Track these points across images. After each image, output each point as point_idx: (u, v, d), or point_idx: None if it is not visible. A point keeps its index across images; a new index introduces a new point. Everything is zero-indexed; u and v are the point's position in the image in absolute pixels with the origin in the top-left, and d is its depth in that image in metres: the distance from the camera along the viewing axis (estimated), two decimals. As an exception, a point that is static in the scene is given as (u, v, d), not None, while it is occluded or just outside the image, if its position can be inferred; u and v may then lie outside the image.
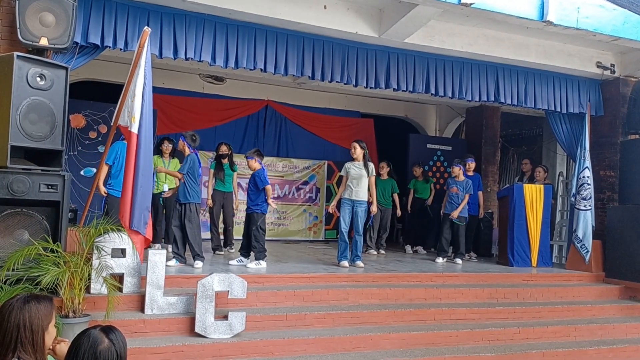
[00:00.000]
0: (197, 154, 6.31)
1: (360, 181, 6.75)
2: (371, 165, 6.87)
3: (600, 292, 6.87)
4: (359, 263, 6.67)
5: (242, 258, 6.33)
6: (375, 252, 8.40)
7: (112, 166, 6.19)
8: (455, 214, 7.71)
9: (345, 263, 6.62)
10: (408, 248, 8.99)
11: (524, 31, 6.71)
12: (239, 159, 8.35)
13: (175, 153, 7.63)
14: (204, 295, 4.58)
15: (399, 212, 8.90)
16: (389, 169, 8.85)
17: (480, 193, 8.45)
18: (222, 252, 7.49)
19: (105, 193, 6.12)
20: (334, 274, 6.08)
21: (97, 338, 1.93)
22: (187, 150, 6.23)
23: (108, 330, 2.00)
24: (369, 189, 6.87)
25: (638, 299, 6.78)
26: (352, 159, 6.88)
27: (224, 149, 7.63)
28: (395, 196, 8.82)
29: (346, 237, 6.73)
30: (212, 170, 7.64)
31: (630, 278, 6.90)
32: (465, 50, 6.80)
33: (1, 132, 4.26)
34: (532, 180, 8.29)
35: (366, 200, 6.80)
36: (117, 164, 6.16)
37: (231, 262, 6.32)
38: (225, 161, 7.57)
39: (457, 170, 7.89)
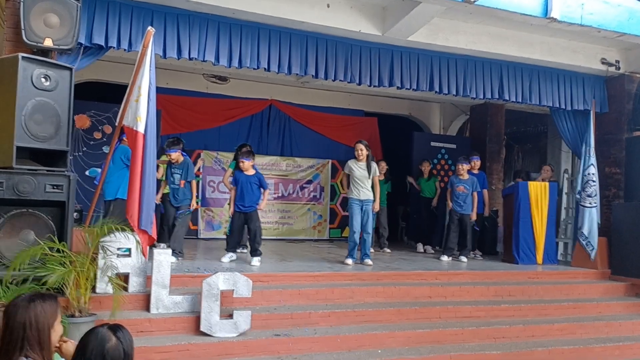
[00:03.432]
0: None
1: (365, 181, 6.78)
2: (374, 166, 6.87)
3: (606, 290, 6.85)
4: (368, 261, 6.68)
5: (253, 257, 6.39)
6: (378, 251, 8.37)
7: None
8: (473, 216, 7.75)
9: (350, 261, 6.63)
10: (420, 246, 8.89)
11: (528, 28, 6.69)
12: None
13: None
14: (209, 294, 4.59)
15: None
16: (386, 168, 8.84)
17: (485, 191, 8.41)
18: (245, 251, 7.50)
19: None
20: (339, 272, 6.07)
21: (105, 336, 1.95)
22: (181, 157, 6.49)
23: (116, 328, 2.01)
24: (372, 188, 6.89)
25: (644, 296, 6.77)
26: (355, 158, 6.86)
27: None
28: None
29: (358, 237, 6.70)
30: (230, 170, 7.66)
31: (636, 275, 6.86)
32: (469, 48, 6.79)
33: (7, 133, 4.27)
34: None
35: (371, 199, 6.81)
36: (113, 166, 6.19)
37: (223, 258, 6.38)
38: None
39: (465, 168, 7.86)
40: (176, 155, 6.40)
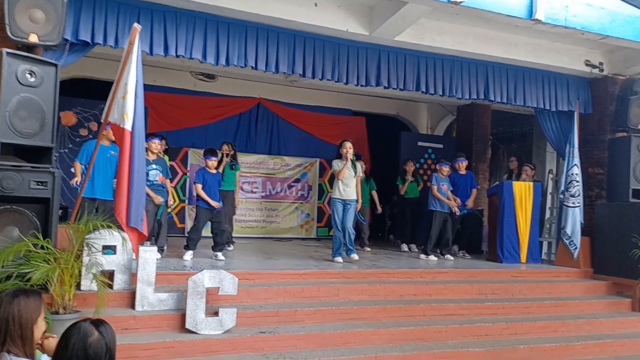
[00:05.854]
0: None
1: (350, 180, 6.84)
2: (358, 165, 6.99)
3: (588, 288, 6.95)
4: (354, 256, 6.75)
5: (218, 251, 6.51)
6: (359, 249, 8.39)
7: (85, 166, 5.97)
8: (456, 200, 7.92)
9: (340, 259, 6.69)
10: (404, 246, 8.94)
11: (513, 29, 6.77)
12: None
13: (169, 151, 7.71)
14: (195, 291, 4.60)
15: (379, 209, 9.01)
16: (365, 167, 8.87)
17: (474, 190, 8.46)
18: (230, 249, 7.52)
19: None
20: (325, 270, 6.11)
21: (87, 330, 1.95)
22: (159, 148, 6.64)
23: (98, 323, 2.01)
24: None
25: (625, 294, 6.87)
26: (340, 157, 6.90)
27: (225, 149, 7.59)
28: (374, 193, 8.91)
29: (341, 235, 6.78)
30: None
31: (617, 274, 6.98)
32: (455, 49, 6.84)
33: (-10, 129, 4.25)
34: (519, 177, 8.33)
35: (355, 198, 6.87)
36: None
37: (185, 256, 6.36)
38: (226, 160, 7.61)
39: (444, 169, 7.94)
40: (155, 145, 6.33)
